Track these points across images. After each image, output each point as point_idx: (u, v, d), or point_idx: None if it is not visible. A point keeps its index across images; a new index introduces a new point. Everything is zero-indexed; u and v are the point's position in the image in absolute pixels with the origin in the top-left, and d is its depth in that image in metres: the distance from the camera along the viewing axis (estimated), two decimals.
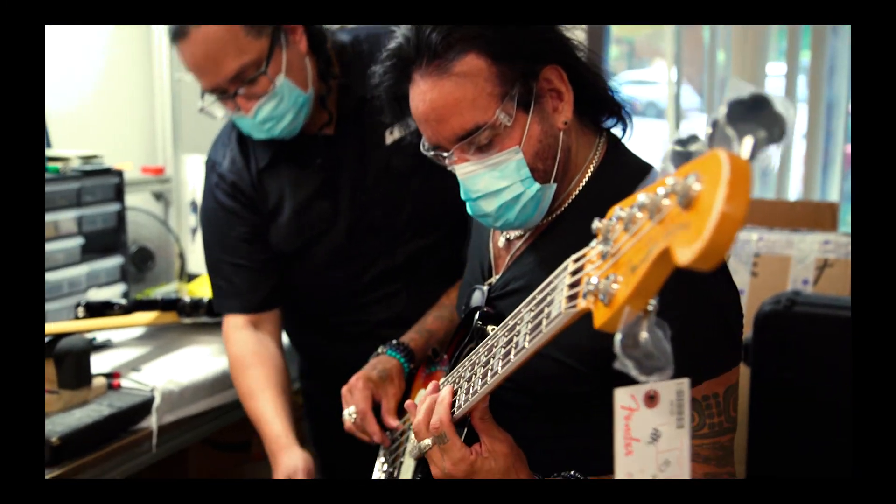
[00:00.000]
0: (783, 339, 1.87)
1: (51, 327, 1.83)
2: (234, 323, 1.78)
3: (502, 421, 1.11)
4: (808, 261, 2.25)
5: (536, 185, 1.17)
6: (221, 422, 2.00)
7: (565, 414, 1.21)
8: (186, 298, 2.05)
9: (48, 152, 2.25)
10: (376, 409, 1.47)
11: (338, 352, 1.81)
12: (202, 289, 2.71)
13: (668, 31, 2.92)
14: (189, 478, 2.25)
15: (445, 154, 1.19)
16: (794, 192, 2.93)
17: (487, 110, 1.13)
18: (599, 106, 1.25)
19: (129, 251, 2.57)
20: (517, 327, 0.95)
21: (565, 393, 1.18)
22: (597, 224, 0.75)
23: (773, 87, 3.02)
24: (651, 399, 0.76)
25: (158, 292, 2.52)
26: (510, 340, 0.96)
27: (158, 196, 2.87)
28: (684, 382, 0.76)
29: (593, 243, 0.76)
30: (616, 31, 3.26)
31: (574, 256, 0.82)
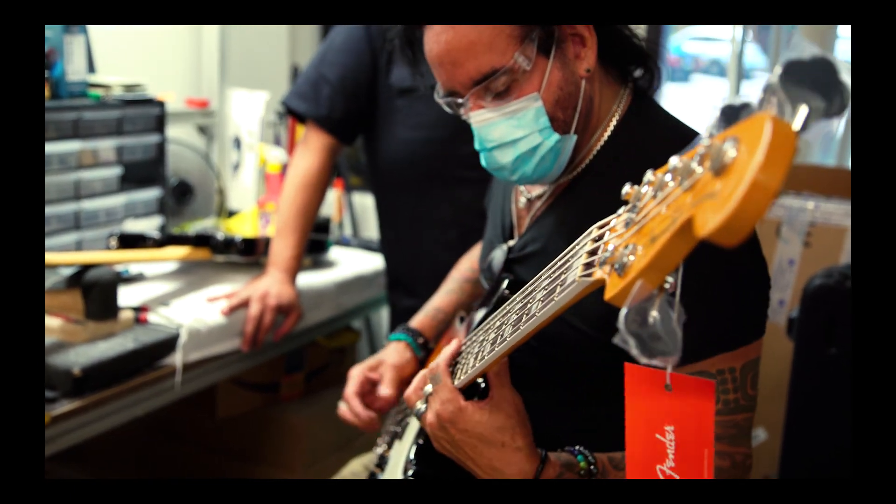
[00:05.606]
0: (831, 316, 1.78)
1: (81, 257, 1.81)
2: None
3: (515, 382, 1.05)
4: None
5: (556, 136, 1.10)
6: (250, 362, 1.98)
7: (580, 383, 1.16)
8: (220, 236, 2.01)
9: (91, 78, 2.21)
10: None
11: None
12: (241, 226, 2.67)
13: None
14: (217, 415, 2.24)
15: (460, 100, 1.12)
16: None
17: (505, 53, 1.05)
18: (625, 55, 1.16)
19: (168, 184, 2.54)
20: (534, 293, 0.88)
21: (581, 361, 1.12)
22: (627, 189, 0.67)
23: (845, 50, 2.86)
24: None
25: (195, 227, 2.49)
26: (524, 306, 0.90)
27: (202, 129, 2.83)
28: None
29: (621, 210, 0.68)
30: None
31: (600, 223, 0.75)
